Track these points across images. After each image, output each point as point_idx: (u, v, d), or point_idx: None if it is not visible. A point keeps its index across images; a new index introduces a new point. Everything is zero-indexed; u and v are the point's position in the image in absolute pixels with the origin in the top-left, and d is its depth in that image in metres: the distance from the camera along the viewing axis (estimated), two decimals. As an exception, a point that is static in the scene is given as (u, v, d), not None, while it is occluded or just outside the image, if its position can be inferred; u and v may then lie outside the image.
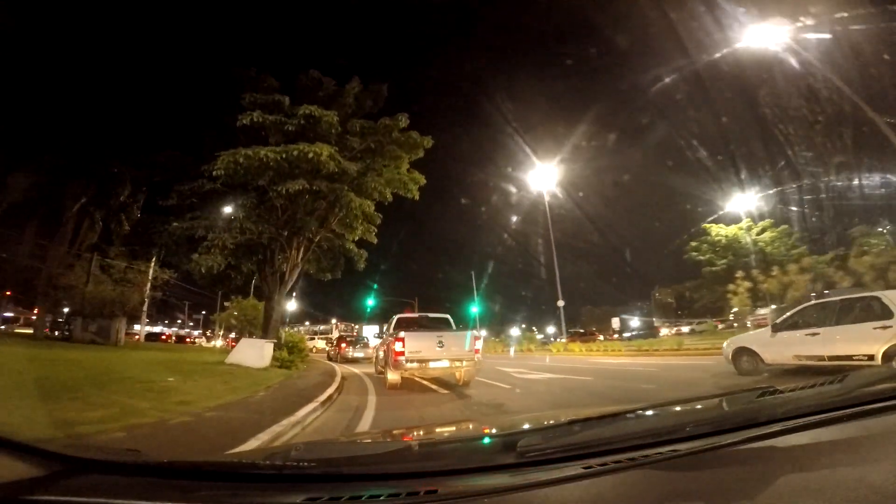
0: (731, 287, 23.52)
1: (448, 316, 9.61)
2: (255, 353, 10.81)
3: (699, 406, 1.65)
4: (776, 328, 7.24)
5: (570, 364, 13.54)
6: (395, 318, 9.22)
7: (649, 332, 36.13)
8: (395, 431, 2.58)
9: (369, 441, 2.02)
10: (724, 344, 8.28)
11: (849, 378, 1.39)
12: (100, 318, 19.07)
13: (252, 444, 3.24)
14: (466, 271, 43.28)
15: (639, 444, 1.03)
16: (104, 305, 18.98)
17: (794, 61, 12.91)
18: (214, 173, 11.66)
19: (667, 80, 20.58)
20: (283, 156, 11.62)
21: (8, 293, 25.28)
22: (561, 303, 23.34)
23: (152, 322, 43.08)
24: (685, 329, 33.82)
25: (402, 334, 7.52)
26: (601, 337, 39.48)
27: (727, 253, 27.76)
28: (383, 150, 14.13)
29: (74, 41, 15.62)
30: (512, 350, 25.19)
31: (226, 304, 30.95)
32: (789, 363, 6.91)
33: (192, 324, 55.60)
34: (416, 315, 9.96)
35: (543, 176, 26.39)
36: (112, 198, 18.54)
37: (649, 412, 1.59)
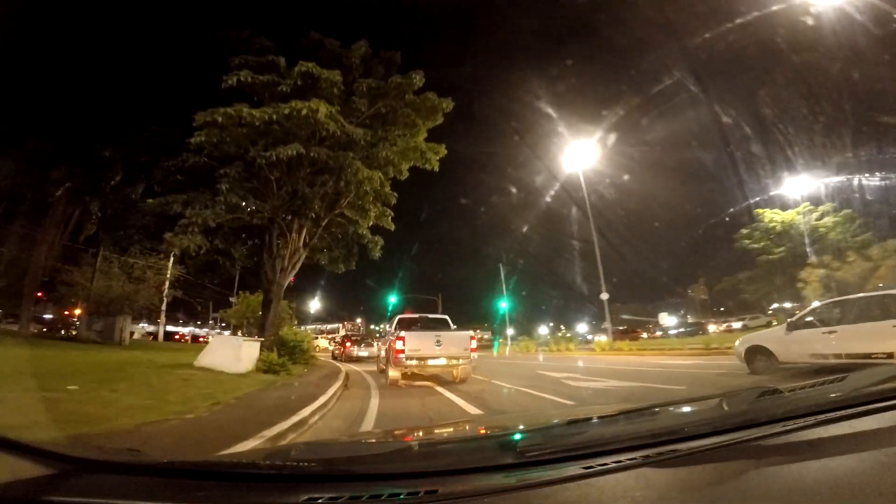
0: (802, 275, 22.61)
1: (446, 317, 10.72)
2: (229, 353, 9.46)
3: (699, 406, 1.72)
4: (791, 326, 7.57)
5: (629, 367, 11.89)
6: (397, 318, 10.46)
7: (696, 328, 35.26)
8: (395, 431, 2.67)
9: (369, 441, 2.11)
10: (736, 343, 8.64)
11: (849, 378, 1.44)
12: (106, 316, 19.18)
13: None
14: (492, 267, 43.63)
15: (639, 444, 1.10)
16: (110, 303, 19.08)
17: (856, 20, 11.97)
18: (194, 141, 10.87)
19: (712, 48, 19.29)
20: (273, 116, 10.67)
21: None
22: (605, 296, 22.68)
23: (174, 321, 43.25)
24: (737, 325, 32.77)
25: (402, 333, 8.59)
26: (644, 335, 38.40)
27: (784, 240, 26.97)
28: (396, 116, 13.18)
29: (52, 16, 15.69)
30: (540, 354, 23.45)
31: (231, 299, 31.00)
32: (805, 361, 7.19)
33: (211, 322, 55.73)
34: (416, 316, 10.93)
35: (578, 158, 25.38)
36: (103, 183, 18.04)
37: (649, 412, 1.66)
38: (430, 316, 10.92)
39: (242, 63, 11.99)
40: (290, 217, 12.89)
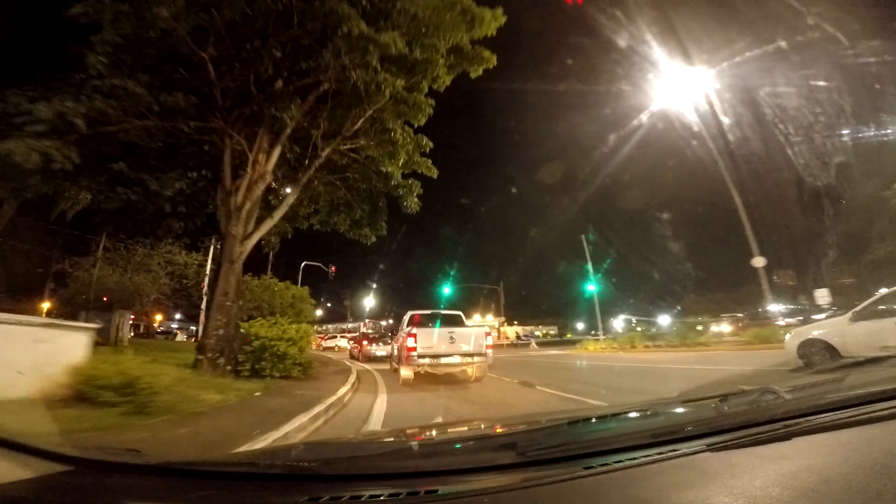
0: None
1: (460, 313, 10.47)
2: None
3: (700, 406, 1.73)
4: (857, 316, 7.00)
5: None
6: (408, 314, 10.24)
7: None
8: (396, 431, 2.69)
9: (370, 441, 2.12)
10: (787, 336, 8.22)
11: (849, 378, 1.46)
12: (108, 312, 17.36)
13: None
14: (566, 249, 39.34)
15: (639, 444, 1.11)
16: (120, 297, 17.54)
17: None
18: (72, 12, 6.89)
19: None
20: None
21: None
22: (760, 261, 15.54)
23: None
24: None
25: (414, 330, 8.35)
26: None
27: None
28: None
29: None
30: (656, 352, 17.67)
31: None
32: (875, 355, 6.54)
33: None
34: (428, 312, 10.64)
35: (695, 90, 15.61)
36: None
37: (649, 412, 1.68)
38: (444, 312, 10.73)
39: None
40: (240, 120, 8.30)
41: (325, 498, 0.90)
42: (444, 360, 8.23)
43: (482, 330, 8.89)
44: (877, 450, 1.02)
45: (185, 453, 2.96)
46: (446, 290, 33.81)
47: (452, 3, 8.11)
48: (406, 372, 8.30)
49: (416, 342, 8.13)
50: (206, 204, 10.30)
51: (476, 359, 8.36)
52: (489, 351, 8.54)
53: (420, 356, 8.08)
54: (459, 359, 8.28)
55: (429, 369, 8.41)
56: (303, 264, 27.16)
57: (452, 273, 36.51)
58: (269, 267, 19.15)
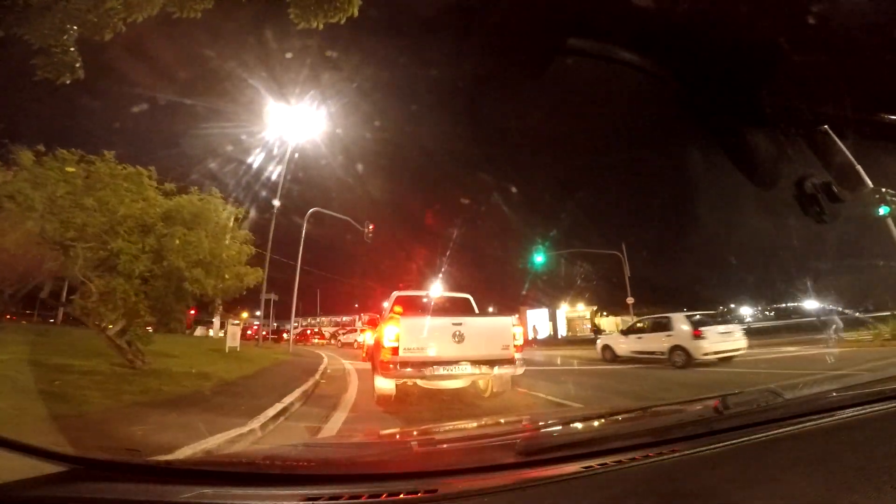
0: None
1: (468, 296, 7.43)
2: None
3: (699, 406, 1.74)
4: (623, 333, 13.45)
5: None
6: (393, 295, 7.33)
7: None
8: (395, 431, 2.72)
9: (369, 441, 2.13)
10: (597, 341, 14.70)
11: (848, 379, 1.47)
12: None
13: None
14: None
15: (639, 444, 1.12)
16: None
17: None
18: None
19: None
20: None
21: None
22: None
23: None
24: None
25: (396, 321, 5.52)
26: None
27: None
28: None
29: None
30: None
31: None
32: (627, 355, 12.51)
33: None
34: (421, 293, 7.85)
35: None
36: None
37: (649, 412, 1.70)
38: (446, 295, 7.72)
39: None
40: None
41: (325, 498, 0.91)
42: (443, 371, 5.33)
43: (507, 321, 5.89)
44: (877, 450, 1.04)
45: None
46: (538, 258, 23.15)
47: None
48: (384, 384, 5.60)
49: (398, 340, 5.30)
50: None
51: (497, 369, 5.48)
52: (518, 354, 5.66)
53: (403, 363, 5.26)
54: (469, 368, 5.38)
55: (421, 383, 5.70)
56: (310, 211, 19.78)
57: (555, 234, 26.65)
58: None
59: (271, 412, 4.66)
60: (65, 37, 5.90)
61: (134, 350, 6.77)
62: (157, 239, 6.85)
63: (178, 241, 6.81)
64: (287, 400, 5.47)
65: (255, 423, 4.16)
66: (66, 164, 6.47)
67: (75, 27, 5.72)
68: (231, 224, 8.19)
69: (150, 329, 7.41)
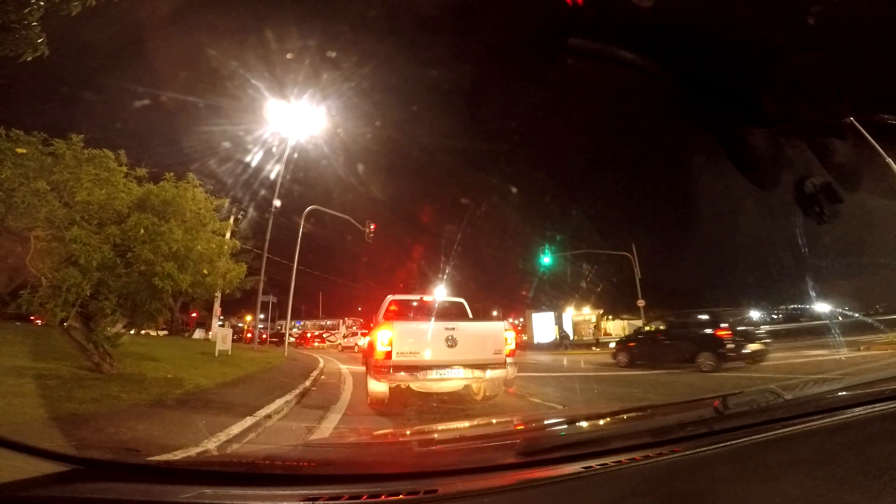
0: None
1: (462, 300, 7.77)
2: None
3: (699, 407, 1.76)
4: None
5: None
6: (387, 300, 7.55)
7: None
8: (395, 432, 2.71)
9: (369, 441, 2.14)
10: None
11: (848, 380, 1.50)
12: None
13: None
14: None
15: (639, 444, 1.13)
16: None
17: None
18: None
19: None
20: None
21: None
22: None
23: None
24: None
25: (389, 325, 5.81)
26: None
27: None
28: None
29: None
30: None
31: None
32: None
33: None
34: (414, 297, 8.10)
35: None
36: None
37: (649, 412, 1.72)
38: (440, 299, 7.98)
39: None
40: None
41: (324, 498, 0.91)
42: (436, 374, 5.57)
43: (499, 326, 6.14)
44: (877, 450, 1.05)
45: None
46: (546, 259, 23.88)
47: None
48: (377, 386, 5.79)
49: (391, 344, 5.57)
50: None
51: (489, 372, 5.72)
52: (510, 359, 5.91)
53: (396, 367, 5.51)
54: (462, 372, 5.62)
55: (414, 386, 5.95)
56: (307, 209, 18.90)
57: (559, 237, 27.57)
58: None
59: (236, 430, 4.06)
60: (26, 10, 5.41)
61: (101, 352, 6.32)
62: (120, 228, 6.14)
63: (142, 231, 6.14)
64: (262, 412, 5.01)
65: (210, 444, 3.46)
66: (17, 146, 5.80)
67: (41, 1, 5.28)
68: (211, 214, 7.47)
69: (124, 329, 6.90)
